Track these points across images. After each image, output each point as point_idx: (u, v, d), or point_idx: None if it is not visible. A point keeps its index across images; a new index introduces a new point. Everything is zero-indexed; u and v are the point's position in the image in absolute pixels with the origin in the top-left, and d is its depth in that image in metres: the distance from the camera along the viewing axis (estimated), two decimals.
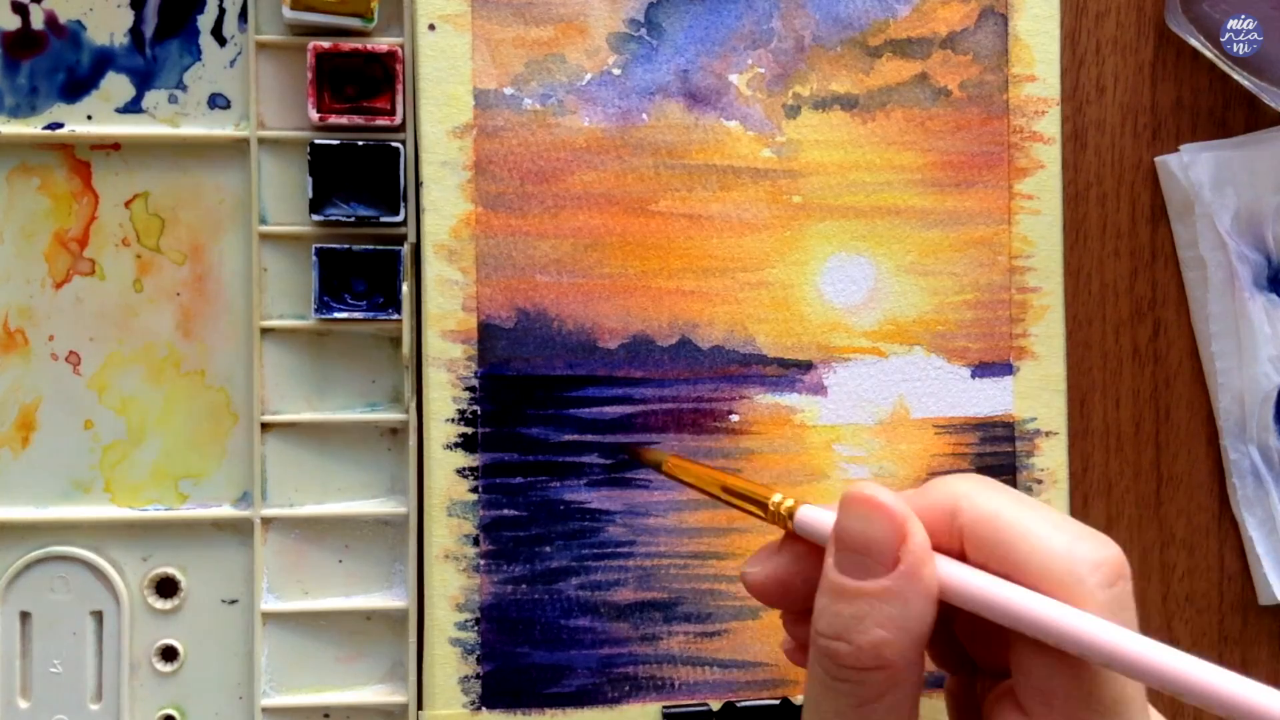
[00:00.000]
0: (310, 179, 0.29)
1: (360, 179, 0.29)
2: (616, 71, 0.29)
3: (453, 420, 0.29)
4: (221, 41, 0.29)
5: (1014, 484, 0.30)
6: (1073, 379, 0.32)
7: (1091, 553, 0.18)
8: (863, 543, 0.19)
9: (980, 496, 0.19)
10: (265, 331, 0.29)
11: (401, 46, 0.29)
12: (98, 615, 0.29)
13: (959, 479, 0.20)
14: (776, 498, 0.21)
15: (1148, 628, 0.32)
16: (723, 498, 0.23)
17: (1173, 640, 0.33)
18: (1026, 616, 0.18)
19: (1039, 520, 0.19)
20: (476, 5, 0.29)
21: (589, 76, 0.29)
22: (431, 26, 0.29)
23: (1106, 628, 0.17)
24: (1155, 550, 0.32)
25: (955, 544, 0.19)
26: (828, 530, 0.20)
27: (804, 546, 0.21)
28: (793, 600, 0.21)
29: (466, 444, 0.29)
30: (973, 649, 0.22)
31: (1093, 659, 0.17)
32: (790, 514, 0.21)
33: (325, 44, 0.29)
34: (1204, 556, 0.33)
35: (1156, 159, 0.33)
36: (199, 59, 0.29)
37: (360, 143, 0.29)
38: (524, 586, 0.29)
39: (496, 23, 0.29)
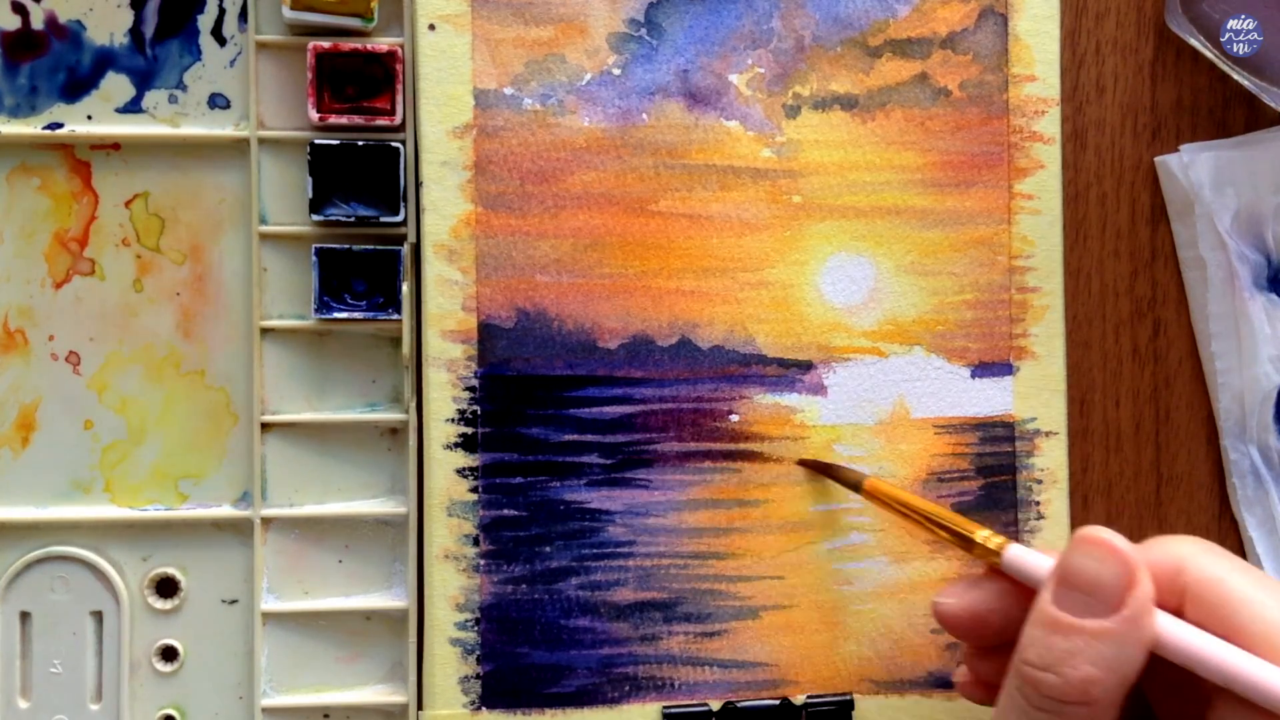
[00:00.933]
0: (310, 179, 0.29)
1: (360, 179, 0.29)
2: (616, 71, 0.29)
3: (453, 420, 0.29)
4: (221, 41, 0.29)
5: (1014, 484, 0.30)
6: (1073, 379, 0.32)
7: None
8: (1090, 582, 0.19)
9: (1206, 560, 0.20)
10: (265, 331, 0.29)
11: (401, 46, 0.29)
12: (98, 615, 0.29)
13: (1185, 540, 0.21)
14: (984, 533, 0.22)
15: None
16: (925, 526, 0.24)
17: None
18: (1240, 676, 0.18)
19: (1265, 591, 0.19)
20: (476, 5, 0.29)
21: (589, 76, 0.29)
22: (431, 26, 0.29)
23: None
24: None
25: (1174, 602, 0.20)
26: (1039, 571, 0.20)
27: (1007, 585, 0.22)
28: (983, 635, 0.22)
29: (466, 444, 0.29)
30: (1163, 705, 0.22)
31: None
32: (999, 550, 0.22)
33: (325, 44, 0.29)
34: None
35: (1156, 159, 0.33)
36: (199, 59, 0.29)
37: (360, 143, 0.29)
38: (524, 586, 0.29)
39: (496, 23, 0.29)
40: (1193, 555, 0.20)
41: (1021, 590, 0.21)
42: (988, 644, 0.22)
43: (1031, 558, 0.21)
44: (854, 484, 0.27)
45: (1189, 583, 0.20)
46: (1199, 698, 0.20)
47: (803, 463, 0.29)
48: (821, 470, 0.29)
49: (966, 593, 0.22)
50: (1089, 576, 0.19)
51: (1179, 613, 0.20)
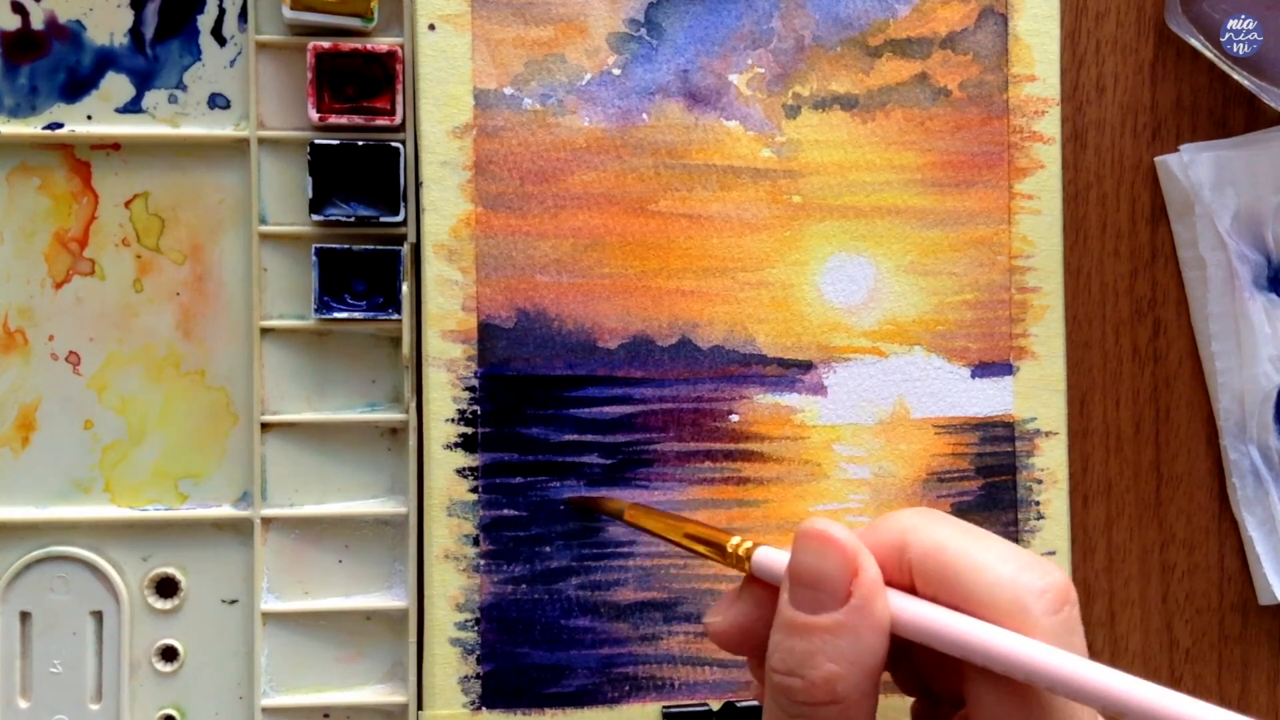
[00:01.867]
0: (310, 179, 0.29)
1: (360, 179, 0.29)
2: (616, 71, 0.29)
3: (453, 420, 0.29)
4: (221, 41, 0.29)
5: (1014, 484, 0.30)
6: (1073, 379, 0.32)
7: (1036, 580, 0.18)
8: (815, 577, 0.19)
9: (926, 529, 0.19)
10: (265, 331, 0.29)
11: (401, 46, 0.29)
12: (98, 615, 0.29)
13: (907, 513, 0.20)
14: (735, 540, 0.21)
15: (1148, 628, 0.32)
16: (684, 544, 0.23)
17: (1173, 640, 0.33)
18: (973, 645, 0.18)
19: (985, 550, 0.19)
20: (476, 5, 0.29)
21: (589, 76, 0.29)
22: (431, 26, 0.29)
23: (1051, 653, 0.18)
24: (1155, 550, 0.33)
25: (905, 578, 0.19)
26: (784, 570, 0.20)
27: (764, 590, 0.21)
28: (757, 646, 0.21)
29: (466, 444, 0.29)
30: (931, 680, 0.22)
31: (1039, 684, 0.18)
32: (748, 556, 0.21)
33: (325, 44, 0.29)
34: (1204, 556, 0.33)
35: (1156, 159, 0.33)
36: (199, 59, 0.29)
37: (360, 143, 0.29)
38: (524, 586, 0.29)
39: (496, 23, 0.29)
40: (914, 527, 0.20)
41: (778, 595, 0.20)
42: (765, 653, 0.21)
43: (779, 559, 0.20)
44: (617, 514, 0.26)
45: (913, 556, 0.19)
46: (955, 669, 0.19)
47: (570, 501, 0.29)
48: (589, 506, 0.28)
49: (730, 607, 0.21)
50: (813, 571, 0.19)
51: (912, 589, 0.19)
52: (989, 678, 0.18)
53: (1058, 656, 0.17)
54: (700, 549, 0.22)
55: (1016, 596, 0.18)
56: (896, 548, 0.20)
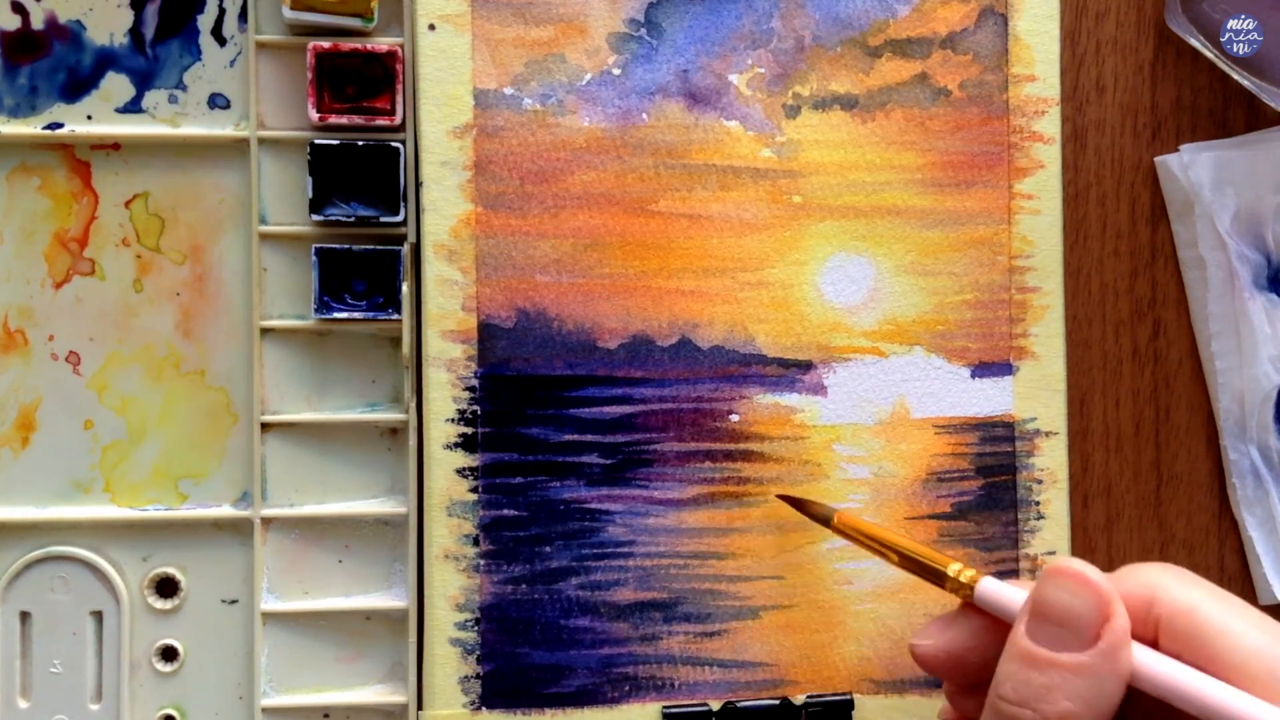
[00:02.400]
0: (310, 179, 0.29)
1: (360, 179, 0.29)
2: (616, 71, 0.30)
3: (453, 420, 0.29)
4: (221, 41, 0.29)
5: (1014, 484, 0.31)
6: (1073, 379, 0.32)
7: None
8: (1064, 615, 0.19)
9: (1179, 588, 0.20)
10: (265, 331, 0.29)
11: (401, 46, 0.29)
12: (98, 615, 0.29)
13: (1157, 569, 0.21)
14: (955, 568, 0.22)
15: None
16: (895, 561, 0.24)
17: None
18: (1217, 708, 0.18)
19: (1239, 618, 0.19)
20: (476, 5, 0.29)
21: (589, 76, 0.30)
22: (431, 26, 0.29)
23: None
24: (1155, 550, 0.33)
25: (1149, 632, 0.20)
26: (1013, 604, 0.20)
27: (981, 619, 0.21)
28: (964, 673, 0.22)
29: (466, 444, 0.29)
30: None
31: None
32: (971, 584, 0.21)
33: (325, 44, 0.29)
34: (1204, 556, 0.33)
35: (1156, 159, 0.33)
36: (199, 59, 0.29)
37: (360, 143, 0.29)
38: (524, 586, 0.29)
39: (496, 22, 0.29)
40: (1165, 584, 0.20)
41: (998, 625, 0.21)
42: (969, 681, 0.22)
43: (1005, 591, 0.21)
44: (824, 519, 0.27)
45: (1162, 613, 0.20)
46: None
47: (781, 497, 0.29)
48: (795, 505, 0.29)
49: (943, 632, 0.22)
50: (1062, 609, 0.19)
51: (1154, 644, 0.20)
52: None
53: None
54: (914, 569, 0.23)
55: (1269, 666, 0.18)
56: (1144, 600, 0.20)
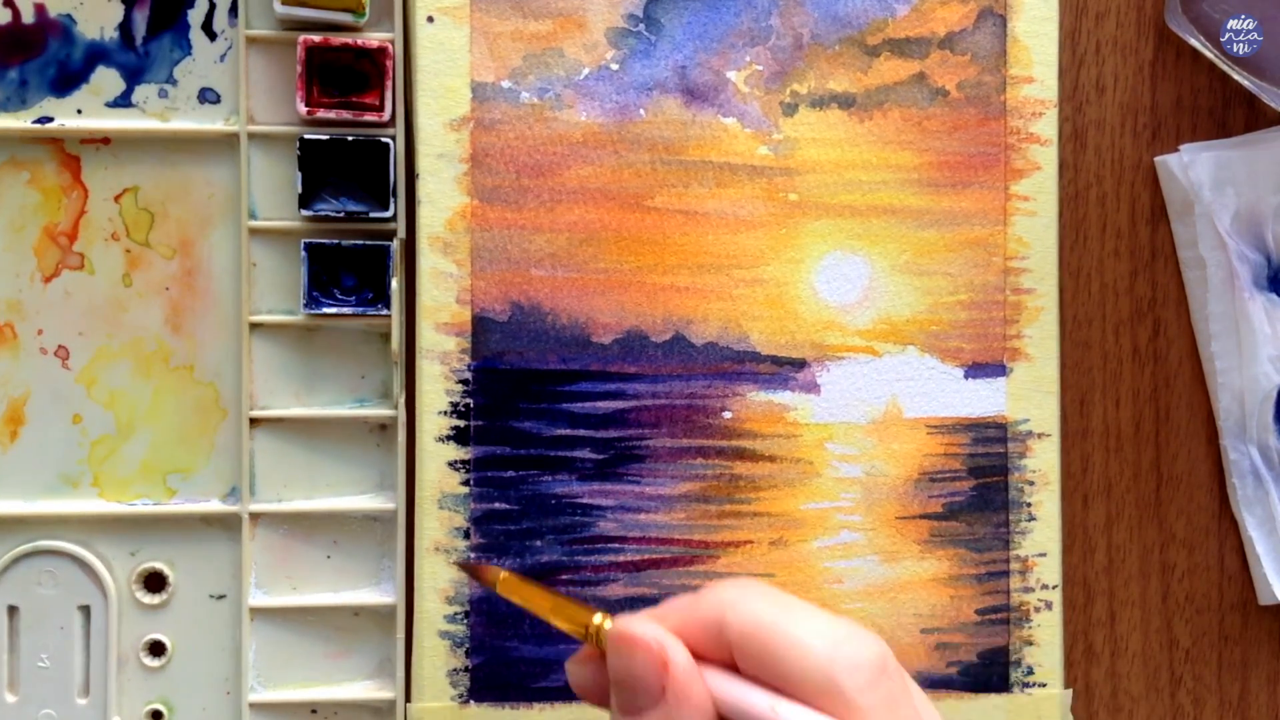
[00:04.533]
0: (300, 174, 0.31)
1: (350, 174, 0.31)
2: (614, 66, 0.32)
3: (445, 413, 0.31)
4: (212, 36, 0.31)
5: (1005, 485, 0.33)
6: (1072, 379, 0.34)
7: (850, 656, 0.20)
8: (631, 679, 0.21)
9: (743, 605, 0.21)
10: (254, 326, 0.31)
11: (392, 42, 0.31)
12: (85, 610, 0.31)
13: (727, 586, 0.22)
14: (597, 619, 0.23)
15: (1148, 628, 0.35)
16: (551, 620, 0.25)
17: (1173, 640, 0.35)
18: None
19: (799, 626, 0.20)
20: None
21: (587, 71, 0.32)
22: (430, 19, 0.31)
23: None
24: (1155, 550, 0.35)
25: (728, 655, 0.21)
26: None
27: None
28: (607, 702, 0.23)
29: (458, 437, 0.31)
30: None
31: None
32: (598, 634, 0.23)
33: (315, 38, 0.30)
34: (1204, 556, 0.35)
35: (1156, 159, 0.35)
36: (189, 53, 0.31)
37: (350, 138, 0.31)
38: None
39: (495, 16, 0.31)
40: (731, 604, 0.21)
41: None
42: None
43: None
44: (490, 584, 0.27)
45: (732, 636, 0.20)
46: None
47: (459, 565, 0.30)
48: (466, 570, 0.30)
49: (585, 666, 0.23)
50: (627, 674, 0.20)
51: (735, 667, 0.21)
52: None
53: None
54: (565, 626, 0.24)
55: (829, 676, 0.19)
56: (715, 624, 0.21)
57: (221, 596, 0.32)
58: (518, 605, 0.25)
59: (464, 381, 0.31)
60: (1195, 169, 0.33)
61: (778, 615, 0.21)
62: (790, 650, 0.20)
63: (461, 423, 0.31)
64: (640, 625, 0.21)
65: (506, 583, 0.25)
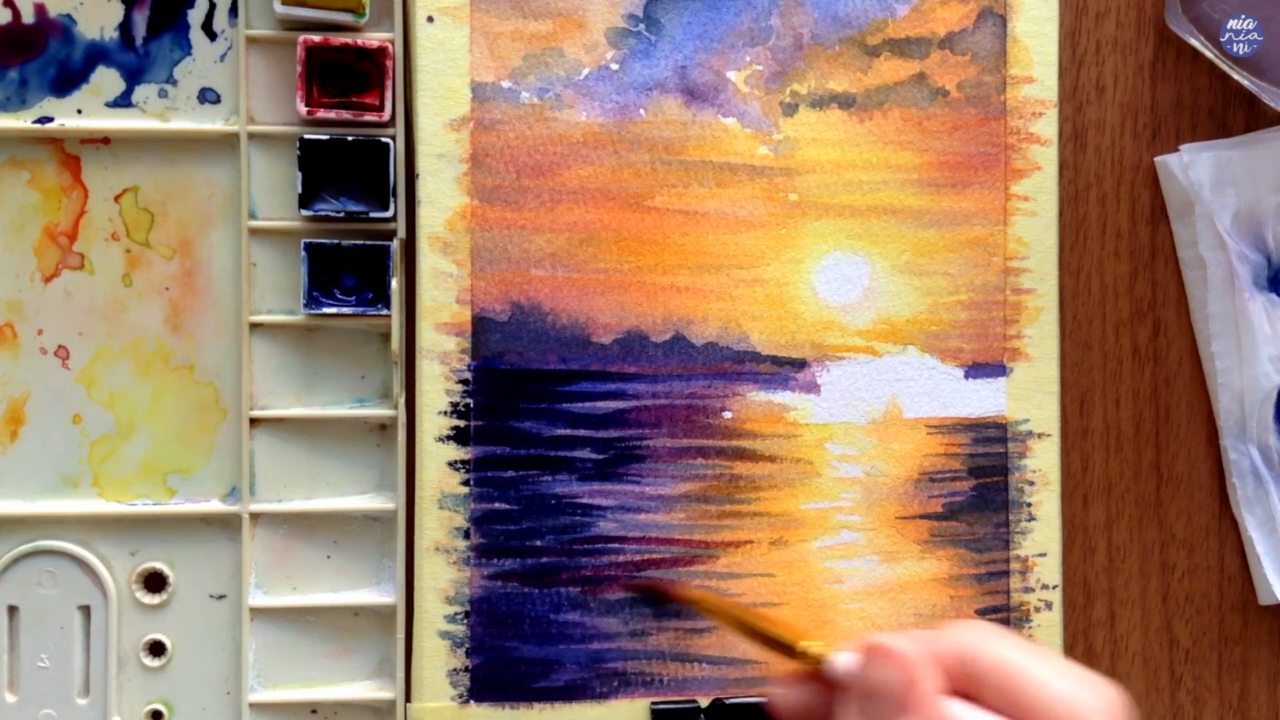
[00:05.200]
0: (300, 174, 0.31)
1: (350, 174, 0.31)
2: (614, 66, 0.32)
3: (445, 413, 0.31)
4: (212, 36, 0.31)
5: (1006, 485, 0.33)
6: (1073, 379, 0.34)
7: (1092, 699, 0.22)
8: (879, 689, 0.22)
9: (993, 644, 0.23)
10: (254, 326, 0.32)
11: (392, 42, 0.31)
12: (85, 610, 0.31)
13: (970, 627, 0.24)
14: (805, 643, 0.25)
15: (1148, 628, 0.35)
16: (746, 636, 0.26)
17: (1173, 640, 0.35)
18: None
19: (1043, 667, 0.22)
20: None
21: (587, 71, 0.32)
22: (430, 19, 0.31)
23: None
24: (1155, 550, 0.35)
25: (972, 689, 0.23)
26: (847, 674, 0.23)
27: (824, 686, 0.25)
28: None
29: (459, 437, 0.31)
30: None
31: None
32: (819, 659, 0.25)
33: (315, 38, 0.31)
34: (1204, 556, 0.35)
35: (1156, 159, 0.35)
36: (189, 53, 0.31)
37: (350, 138, 0.31)
38: (514, 580, 0.31)
39: (495, 16, 0.31)
40: (978, 642, 0.23)
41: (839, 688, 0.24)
42: None
43: (846, 664, 0.24)
44: (679, 599, 0.28)
45: (981, 669, 0.23)
46: None
47: (629, 586, 0.31)
48: (637, 590, 0.31)
49: (792, 690, 0.25)
50: (877, 683, 0.23)
51: (977, 700, 0.23)
52: None
53: None
54: (764, 646, 0.26)
55: (1073, 713, 0.22)
56: (959, 659, 0.23)
57: (221, 596, 0.32)
58: (710, 617, 0.26)
59: (464, 381, 0.31)
60: (1195, 169, 0.34)
61: (1026, 657, 0.23)
62: (1039, 688, 0.22)
63: (461, 423, 0.31)
64: (896, 639, 0.23)
65: (702, 601, 0.27)
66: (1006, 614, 0.33)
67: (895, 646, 0.23)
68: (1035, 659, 0.23)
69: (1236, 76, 0.33)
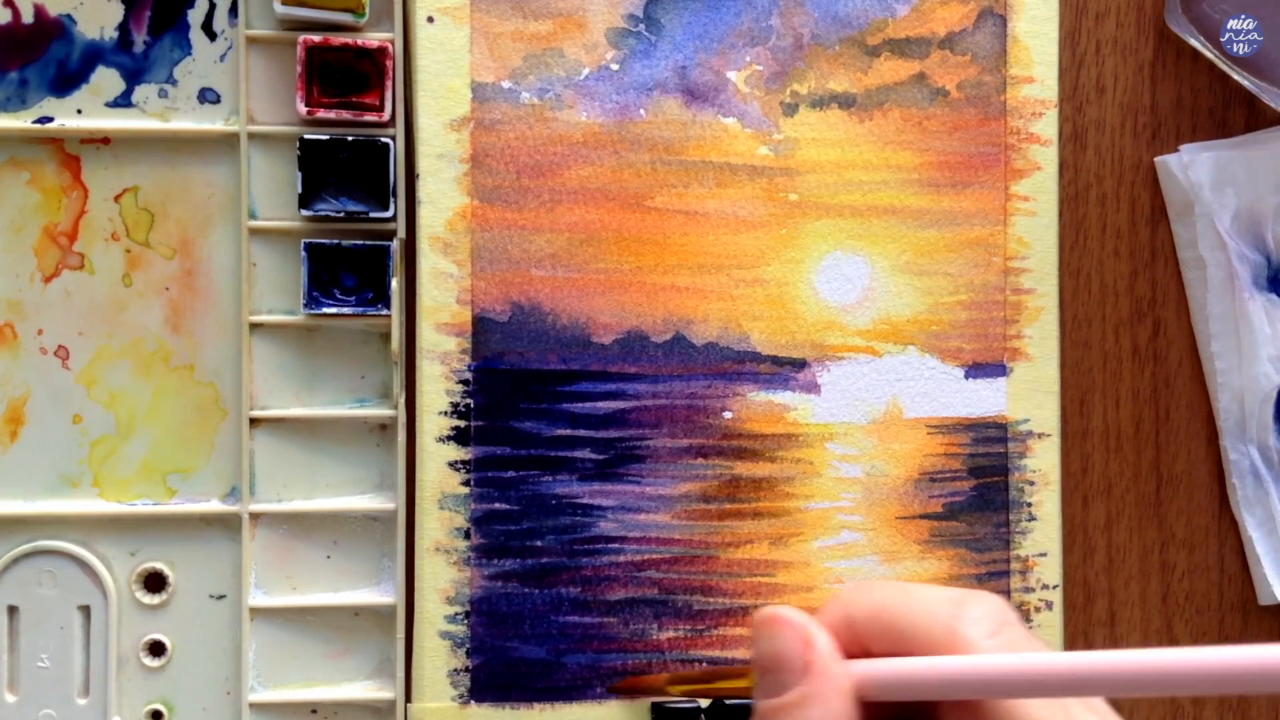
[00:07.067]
0: (300, 174, 0.31)
1: (350, 174, 0.32)
2: (615, 67, 0.32)
3: (445, 413, 0.31)
4: (212, 36, 0.32)
5: (1006, 485, 0.33)
6: (1072, 379, 0.35)
7: (971, 611, 0.21)
8: (775, 659, 0.22)
9: (863, 593, 0.23)
10: (254, 326, 0.32)
11: (392, 42, 0.31)
12: (85, 610, 0.31)
13: (846, 590, 0.23)
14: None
15: (1148, 628, 0.35)
16: (723, 689, 0.25)
17: (1173, 640, 0.35)
18: (922, 681, 0.21)
19: (916, 595, 0.22)
20: None
21: (587, 71, 0.32)
22: (430, 19, 0.31)
23: (983, 659, 0.20)
24: (1155, 550, 0.35)
25: (861, 648, 0.22)
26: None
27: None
28: None
29: (459, 437, 0.31)
30: None
31: (987, 694, 0.20)
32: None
33: (315, 38, 0.31)
34: (1204, 556, 0.35)
35: (1156, 159, 0.35)
36: (189, 53, 0.32)
37: (350, 138, 0.31)
38: (514, 581, 0.32)
39: (495, 16, 0.32)
40: (852, 596, 0.23)
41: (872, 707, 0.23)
42: None
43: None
44: (659, 688, 0.27)
45: (858, 625, 0.22)
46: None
47: (612, 688, 0.31)
48: (622, 691, 0.31)
49: None
50: (772, 653, 0.22)
51: (870, 654, 0.22)
52: (959, 711, 0.21)
53: (987, 658, 0.20)
54: (733, 685, 0.25)
55: (954, 631, 0.21)
56: (844, 621, 0.22)
57: (221, 596, 0.32)
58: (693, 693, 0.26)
59: (464, 382, 0.31)
60: (1195, 169, 0.34)
61: (897, 592, 0.22)
62: (915, 617, 0.21)
63: (462, 423, 0.31)
64: (782, 609, 0.23)
65: (674, 681, 0.26)
66: None
67: (784, 614, 0.22)
68: (908, 590, 0.22)
69: (1236, 76, 0.33)
